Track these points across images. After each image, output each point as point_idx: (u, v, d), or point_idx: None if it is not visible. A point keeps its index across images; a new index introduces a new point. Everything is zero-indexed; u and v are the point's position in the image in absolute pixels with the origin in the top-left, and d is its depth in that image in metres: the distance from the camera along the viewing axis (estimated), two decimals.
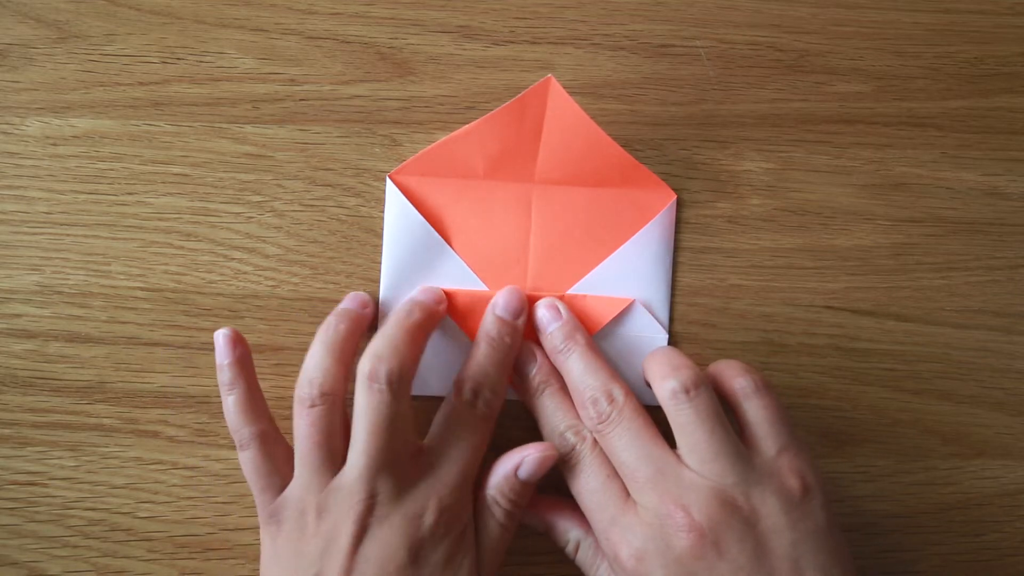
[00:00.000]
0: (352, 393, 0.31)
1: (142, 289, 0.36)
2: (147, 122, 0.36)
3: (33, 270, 0.36)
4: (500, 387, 0.33)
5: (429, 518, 0.30)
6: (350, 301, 0.34)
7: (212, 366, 0.36)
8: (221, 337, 0.33)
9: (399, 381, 0.30)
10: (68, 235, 0.36)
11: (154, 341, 0.36)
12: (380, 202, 0.36)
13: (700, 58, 0.37)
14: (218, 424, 0.36)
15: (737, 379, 0.32)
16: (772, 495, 0.29)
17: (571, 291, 0.36)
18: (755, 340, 0.37)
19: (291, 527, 0.31)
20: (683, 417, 0.30)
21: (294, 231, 0.36)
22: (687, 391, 0.30)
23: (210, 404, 0.36)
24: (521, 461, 0.32)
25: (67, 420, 0.35)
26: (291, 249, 0.36)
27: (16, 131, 0.36)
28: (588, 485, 0.31)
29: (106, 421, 0.35)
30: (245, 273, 0.36)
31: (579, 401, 0.32)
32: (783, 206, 0.37)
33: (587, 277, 0.36)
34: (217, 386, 0.36)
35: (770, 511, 0.29)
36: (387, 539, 0.30)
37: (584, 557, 0.33)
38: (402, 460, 0.31)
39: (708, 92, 0.37)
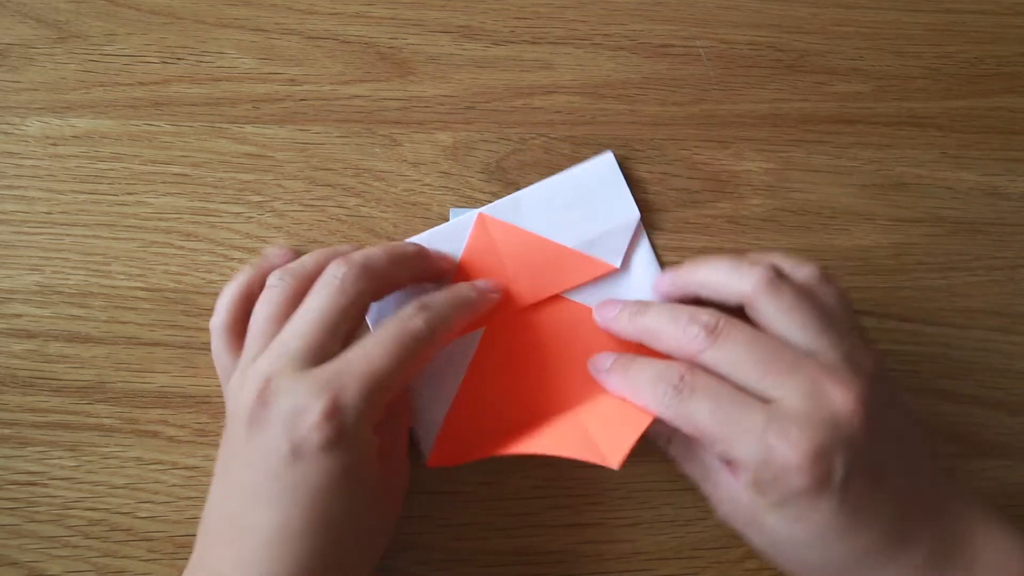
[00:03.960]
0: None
1: (142, 289, 0.36)
2: (147, 122, 0.36)
3: (33, 270, 0.36)
4: (449, 319, 0.31)
5: (312, 415, 0.27)
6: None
7: (212, 366, 0.36)
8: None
9: (354, 282, 0.30)
10: (68, 235, 0.36)
11: (154, 341, 0.36)
12: (380, 202, 0.36)
13: (700, 58, 0.37)
14: (218, 424, 0.36)
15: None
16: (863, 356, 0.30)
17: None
18: None
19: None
20: (785, 300, 0.29)
21: (294, 231, 0.36)
22: (778, 276, 0.30)
23: (210, 404, 0.36)
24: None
25: (67, 420, 0.35)
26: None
27: (16, 131, 0.36)
28: (718, 401, 0.28)
29: (106, 421, 0.35)
30: None
31: (675, 334, 0.30)
32: (783, 206, 0.37)
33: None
34: (217, 386, 0.36)
35: (871, 366, 0.29)
36: (272, 432, 0.27)
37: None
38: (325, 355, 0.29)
39: (708, 92, 0.37)
